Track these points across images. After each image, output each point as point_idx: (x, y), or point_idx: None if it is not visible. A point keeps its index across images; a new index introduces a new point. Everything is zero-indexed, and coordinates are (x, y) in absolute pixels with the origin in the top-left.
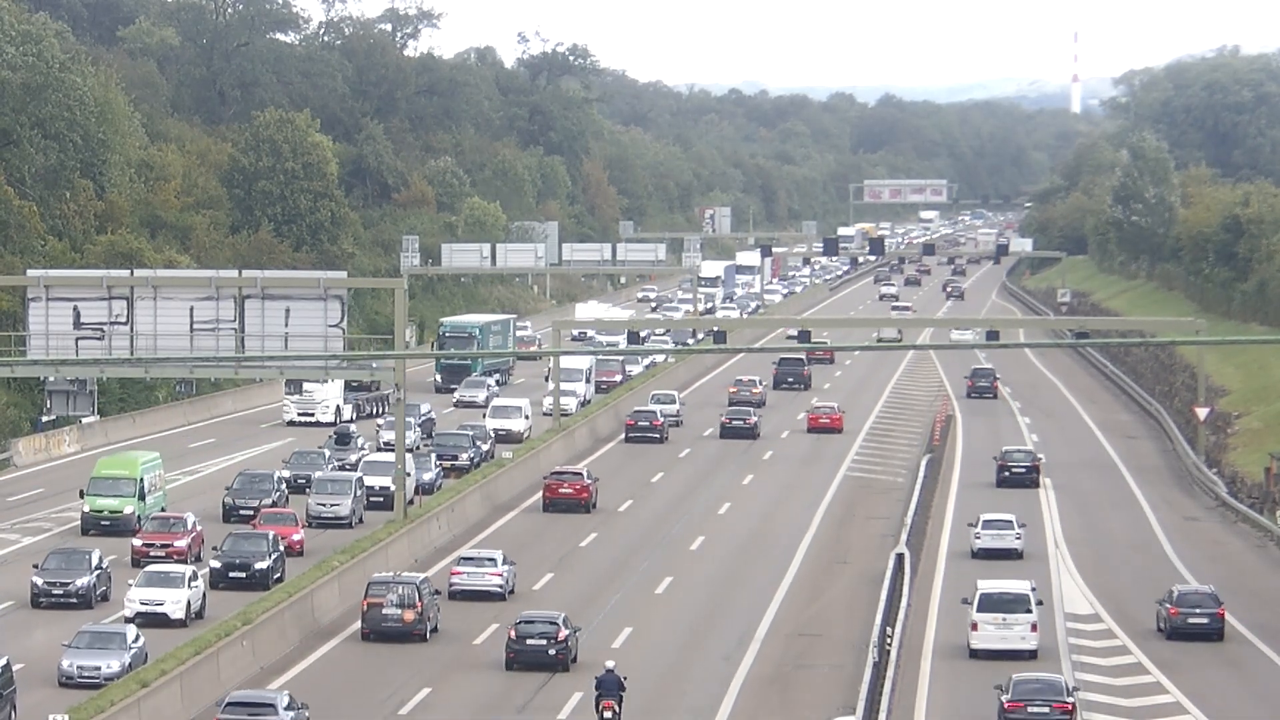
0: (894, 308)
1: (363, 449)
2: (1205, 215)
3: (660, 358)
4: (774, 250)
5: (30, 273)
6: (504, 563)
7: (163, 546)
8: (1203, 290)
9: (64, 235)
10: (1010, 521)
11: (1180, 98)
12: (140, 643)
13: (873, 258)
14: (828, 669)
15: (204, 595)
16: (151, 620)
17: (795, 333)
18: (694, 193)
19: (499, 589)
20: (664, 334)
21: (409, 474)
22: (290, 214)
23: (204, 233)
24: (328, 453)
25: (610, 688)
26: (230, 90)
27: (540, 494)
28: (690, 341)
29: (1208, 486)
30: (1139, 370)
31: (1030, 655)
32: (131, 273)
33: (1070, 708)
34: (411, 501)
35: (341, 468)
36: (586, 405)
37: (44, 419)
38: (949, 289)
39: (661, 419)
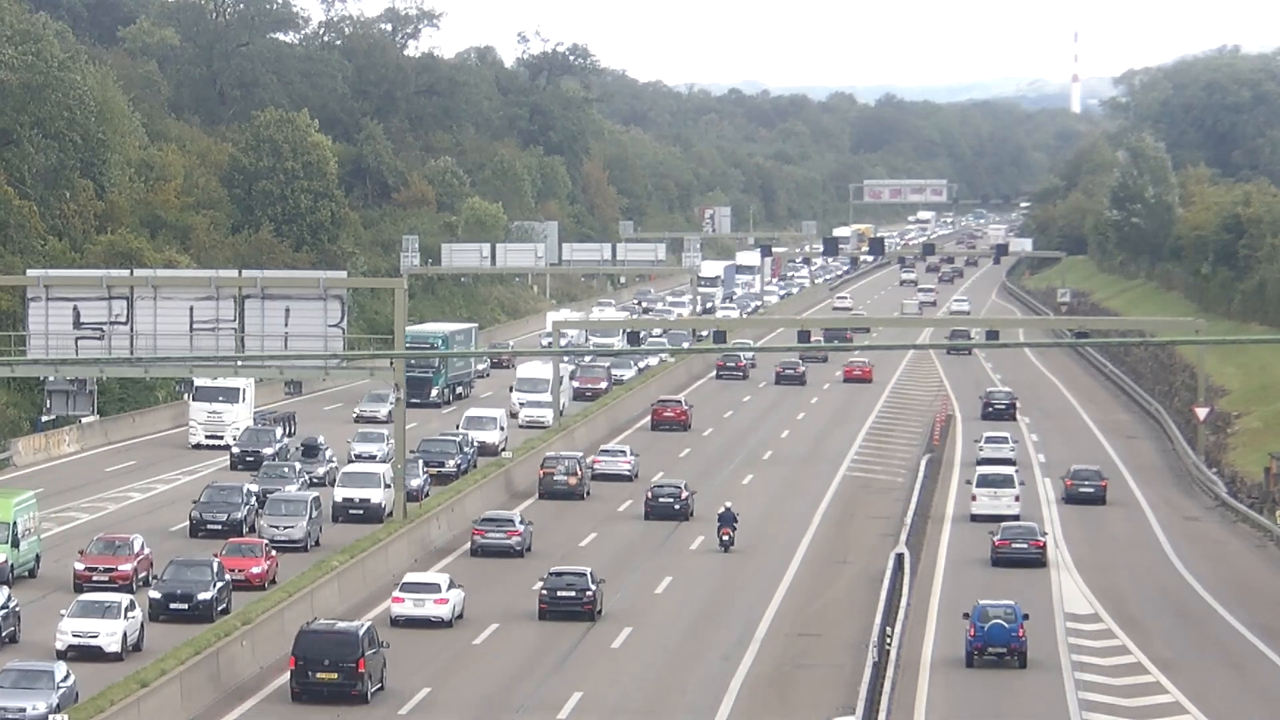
0: (920, 289)
1: (331, 461)
2: (1205, 215)
3: (654, 362)
4: (774, 250)
5: (30, 272)
6: (631, 454)
7: (106, 570)
8: (1202, 290)
9: (64, 235)
10: (1006, 437)
11: (1180, 98)
12: (70, 681)
13: (870, 258)
14: (827, 669)
15: (142, 626)
16: (85, 654)
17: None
18: (694, 193)
19: (628, 473)
20: (660, 335)
21: (388, 485)
22: (290, 214)
23: (204, 232)
24: (298, 465)
25: (727, 520)
26: (230, 90)
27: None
28: (685, 344)
29: (1207, 486)
30: (1139, 370)
31: (1014, 518)
32: (131, 272)
33: (1042, 545)
34: (390, 513)
35: (310, 481)
36: (561, 416)
37: (44, 419)
38: (941, 275)
39: (744, 361)
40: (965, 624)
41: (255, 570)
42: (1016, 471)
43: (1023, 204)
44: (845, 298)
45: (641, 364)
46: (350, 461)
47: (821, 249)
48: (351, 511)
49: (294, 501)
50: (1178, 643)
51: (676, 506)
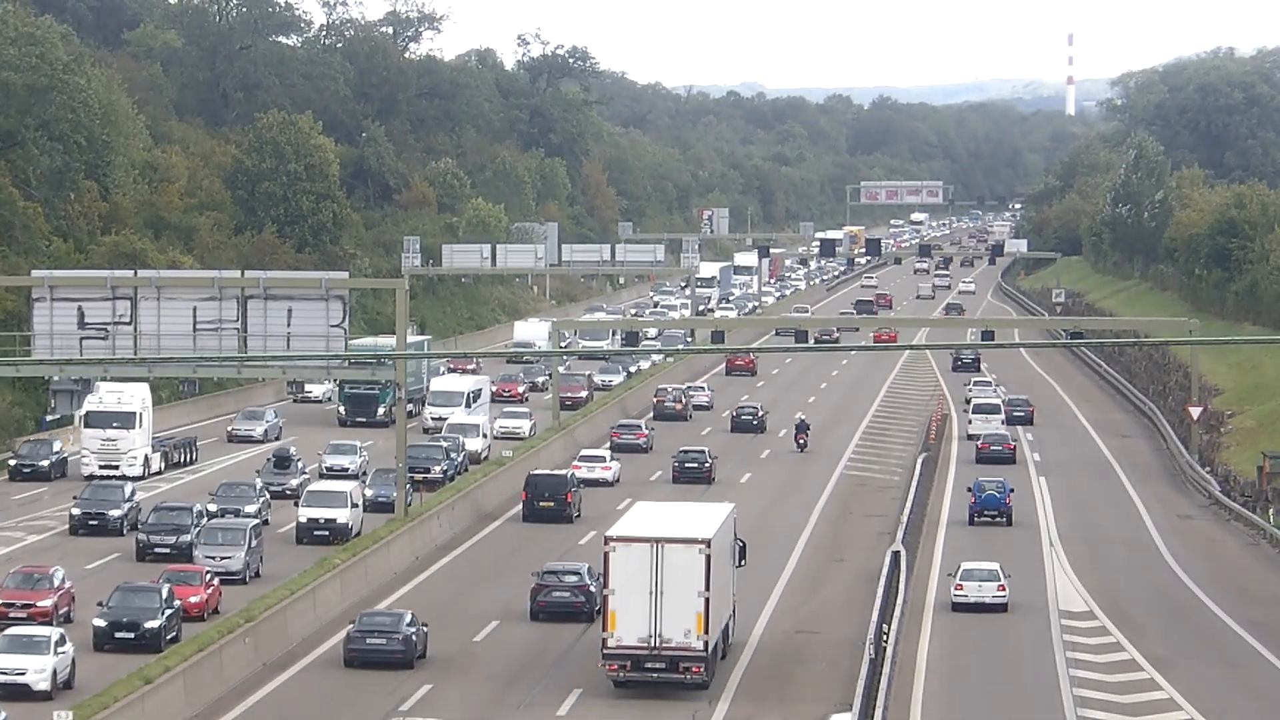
0: (936, 274)
1: (304, 473)
2: (1198, 217)
3: (646, 365)
4: (772, 251)
5: (35, 273)
6: (709, 389)
7: (24, 606)
8: (1195, 290)
9: (69, 236)
10: (990, 382)
11: (1174, 100)
12: (1, 717)
13: (864, 260)
14: (824, 666)
15: (73, 662)
16: (11, 692)
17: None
18: (692, 194)
19: (706, 403)
20: (656, 336)
21: (355, 504)
22: (293, 215)
23: (207, 234)
24: (259, 483)
25: (802, 428)
26: (233, 93)
27: None
28: (682, 344)
29: (1201, 485)
30: (1133, 370)
31: (1001, 432)
32: (135, 273)
33: (1012, 448)
34: (358, 533)
35: (281, 494)
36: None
37: (48, 418)
38: (936, 264)
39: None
40: (969, 496)
41: (194, 600)
42: (1004, 401)
43: (1016, 205)
44: (872, 277)
45: (633, 367)
46: (322, 475)
47: (818, 250)
48: (316, 532)
49: (231, 530)
50: (1172, 640)
51: (754, 422)
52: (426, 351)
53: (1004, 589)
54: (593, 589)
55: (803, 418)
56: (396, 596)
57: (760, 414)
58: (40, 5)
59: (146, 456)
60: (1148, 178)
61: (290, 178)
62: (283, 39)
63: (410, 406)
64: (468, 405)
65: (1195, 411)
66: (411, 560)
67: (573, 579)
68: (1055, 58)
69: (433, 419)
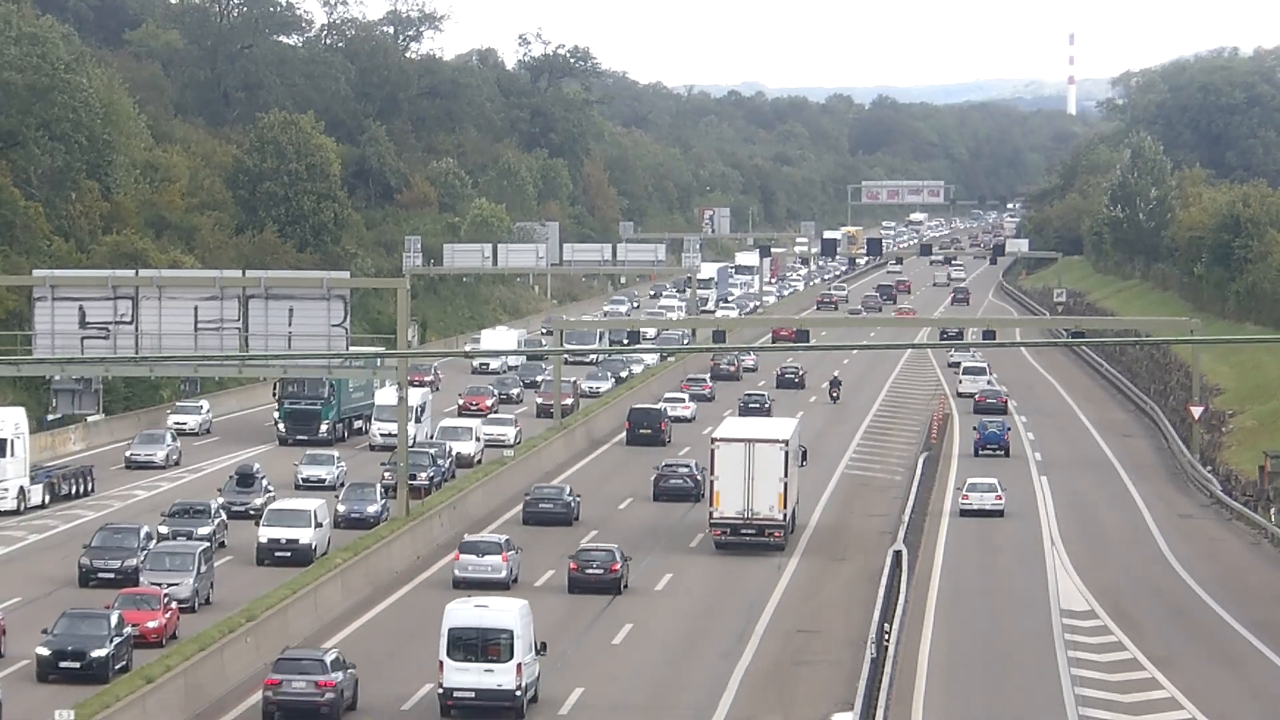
0: (951, 265)
1: (269, 491)
2: (1200, 216)
3: (640, 367)
4: (773, 251)
5: (36, 273)
6: (753, 355)
7: None
8: (1197, 290)
9: (70, 236)
10: (970, 351)
11: (1175, 99)
12: None
13: (864, 261)
14: (826, 665)
15: (0, 704)
16: None
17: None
18: (693, 194)
19: (752, 366)
20: (654, 336)
21: (320, 524)
22: (294, 215)
23: (208, 233)
24: (214, 504)
25: (836, 384)
26: (234, 92)
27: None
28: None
29: (1202, 484)
30: (1134, 369)
31: (992, 387)
32: (136, 273)
33: (1004, 400)
34: (324, 553)
35: (244, 513)
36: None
37: (50, 417)
38: (947, 260)
39: (835, 297)
40: (974, 434)
41: (151, 625)
42: (987, 366)
43: (1017, 204)
44: (898, 265)
45: (623, 372)
46: (298, 486)
47: (819, 250)
48: (278, 553)
49: (179, 554)
50: (1173, 639)
51: (796, 380)
52: (424, 351)
53: (1000, 498)
54: (699, 478)
55: (837, 375)
56: (558, 480)
57: (801, 373)
58: (42, 5)
59: (22, 489)
60: (1145, 176)
61: (291, 177)
62: (284, 38)
63: (359, 424)
64: (416, 419)
65: (1196, 411)
66: (413, 559)
67: (684, 470)
68: (1056, 57)
69: (381, 435)
